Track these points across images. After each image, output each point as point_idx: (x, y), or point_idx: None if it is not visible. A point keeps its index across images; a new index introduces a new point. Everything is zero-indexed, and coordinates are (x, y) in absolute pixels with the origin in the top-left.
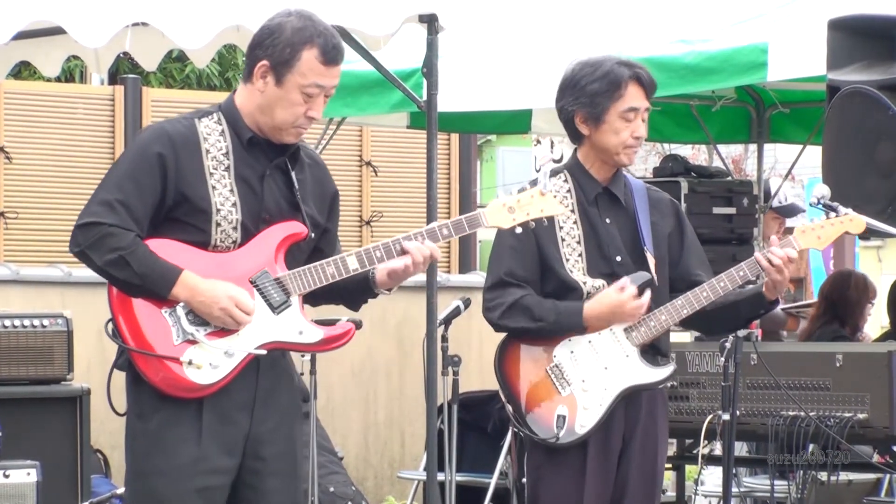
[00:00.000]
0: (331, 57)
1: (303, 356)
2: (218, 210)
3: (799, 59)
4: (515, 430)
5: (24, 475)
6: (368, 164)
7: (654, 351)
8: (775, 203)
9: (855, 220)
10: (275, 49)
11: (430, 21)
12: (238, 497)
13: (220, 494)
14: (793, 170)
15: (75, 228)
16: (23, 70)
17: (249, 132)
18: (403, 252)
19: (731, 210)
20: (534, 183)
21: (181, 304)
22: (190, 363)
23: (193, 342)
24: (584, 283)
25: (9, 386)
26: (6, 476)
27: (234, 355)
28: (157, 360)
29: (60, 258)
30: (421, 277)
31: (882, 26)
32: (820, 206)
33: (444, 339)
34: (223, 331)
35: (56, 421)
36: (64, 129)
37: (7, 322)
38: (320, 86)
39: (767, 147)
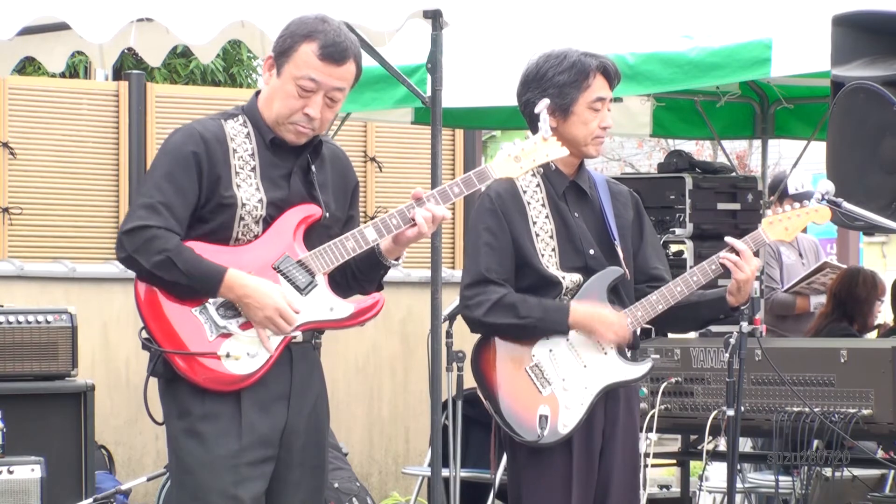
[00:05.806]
0: (327, 53)
1: None
2: (244, 205)
3: (803, 54)
4: (499, 427)
5: (28, 471)
6: (373, 159)
7: (627, 346)
8: (792, 190)
9: (820, 211)
10: (279, 41)
11: (434, 17)
12: (267, 487)
13: (260, 484)
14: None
15: (121, 235)
16: (27, 66)
17: (271, 133)
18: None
19: (736, 206)
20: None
21: (210, 300)
22: (227, 356)
23: (228, 335)
24: (563, 278)
25: (13, 382)
26: (10, 472)
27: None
28: (194, 358)
29: (65, 254)
30: (425, 273)
31: (886, 22)
32: (824, 201)
33: (449, 334)
34: None
35: (60, 417)
36: (68, 124)
37: (11, 318)
38: (314, 80)
39: (772, 143)
